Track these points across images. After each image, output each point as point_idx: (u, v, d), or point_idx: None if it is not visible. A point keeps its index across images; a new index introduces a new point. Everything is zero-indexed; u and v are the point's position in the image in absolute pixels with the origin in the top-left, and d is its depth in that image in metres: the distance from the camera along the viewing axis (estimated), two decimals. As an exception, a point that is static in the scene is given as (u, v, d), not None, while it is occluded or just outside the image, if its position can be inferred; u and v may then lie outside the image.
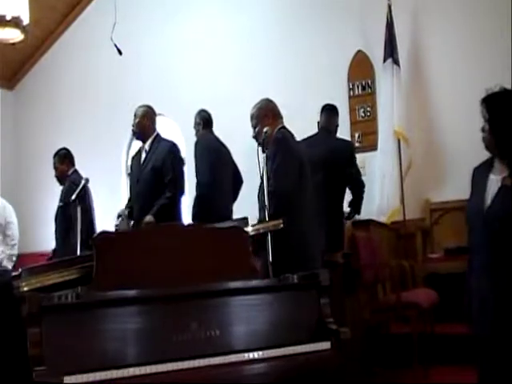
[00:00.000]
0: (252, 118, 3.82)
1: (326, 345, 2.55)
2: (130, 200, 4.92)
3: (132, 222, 4.80)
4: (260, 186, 3.55)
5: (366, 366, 4.00)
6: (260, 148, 3.82)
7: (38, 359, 2.15)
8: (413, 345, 3.93)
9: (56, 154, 5.54)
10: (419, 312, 4.09)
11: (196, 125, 5.42)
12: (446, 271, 4.85)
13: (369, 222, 4.97)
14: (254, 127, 3.75)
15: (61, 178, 5.43)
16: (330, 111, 5.11)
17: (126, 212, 4.81)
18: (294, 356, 2.48)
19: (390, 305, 4.18)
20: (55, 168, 5.50)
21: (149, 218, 4.54)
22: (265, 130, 3.60)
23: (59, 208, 5.26)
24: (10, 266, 5.76)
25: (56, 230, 5.35)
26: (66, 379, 2.11)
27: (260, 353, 2.44)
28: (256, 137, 3.73)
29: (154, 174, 4.65)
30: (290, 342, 2.52)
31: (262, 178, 3.56)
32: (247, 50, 6.62)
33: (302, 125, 5.81)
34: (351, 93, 6.24)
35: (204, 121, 5.36)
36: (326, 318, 2.66)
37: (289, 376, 2.49)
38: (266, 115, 3.79)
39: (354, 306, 4.11)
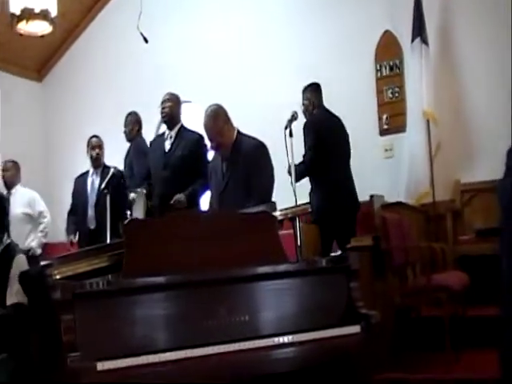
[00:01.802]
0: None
1: (355, 329, 2.54)
2: (148, 181, 4.95)
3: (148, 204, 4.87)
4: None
5: (396, 350, 3.99)
6: (288, 133, 3.86)
7: (72, 345, 2.18)
8: (444, 328, 3.90)
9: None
10: (450, 295, 4.04)
11: (131, 125, 5.77)
12: (477, 253, 4.80)
13: (398, 205, 4.94)
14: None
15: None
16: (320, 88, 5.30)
17: (144, 190, 4.85)
18: (323, 340, 2.48)
19: (421, 288, 4.14)
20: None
21: (181, 196, 4.58)
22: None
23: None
24: (39, 253, 5.92)
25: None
26: (99, 365, 2.14)
27: (289, 337, 2.44)
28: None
29: (184, 163, 4.67)
30: (319, 326, 2.52)
31: (289, 163, 3.59)
32: (273, 34, 6.58)
33: (329, 106, 5.82)
34: (378, 74, 6.18)
35: (139, 124, 5.76)
36: (356, 302, 2.65)
37: (318, 360, 2.50)
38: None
39: (384, 290, 4.08)
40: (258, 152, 4.00)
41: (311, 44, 6.35)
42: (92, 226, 5.37)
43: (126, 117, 6.09)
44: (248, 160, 3.93)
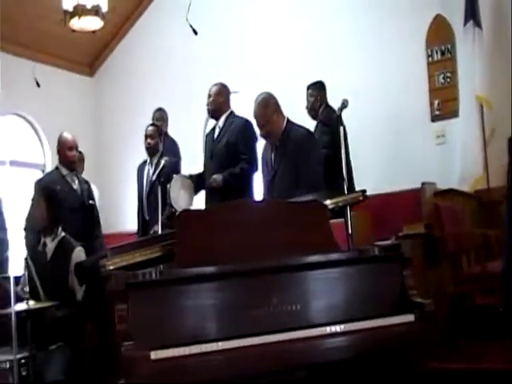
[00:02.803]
0: None
1: (409, 317, 2.53)
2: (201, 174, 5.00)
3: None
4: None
5: (451, 338, 3.93)
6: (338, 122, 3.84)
7: (126, 334, 2.23)
8: (499, 316, 3.82)
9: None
10: (506, 282, 3.96)
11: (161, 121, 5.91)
12: (533, 239, 4.66)
13: (451, 191, 4.85)
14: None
15: None
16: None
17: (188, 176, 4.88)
18: (376, 329, 2.47)
19: (475, 276, 4.07)
20: None
21: (217, 176, 4.62)
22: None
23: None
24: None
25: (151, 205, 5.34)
26: (153, 354, 2.19)
27: (341, 326, 2.44)
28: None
29: (228, 150, 4.69)
30: (372, 315, 2.51)
31: (340, 151, 3.57)
32: (320, 20, 6.52)
33: (379, 92, 5.76)
34: (430, 59, 6.05)
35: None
36: (409, 290, 2.63)
37: (371, 349, 2.49)
38: None
39: (437, 278, 4.03)
40: (306, 140, 4.02)
41: (361, 30, 6.27)
42: (147, 217, 5.41)
43: (155, 112, 6.18)
44: (297, 148, 3.95)
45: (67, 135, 4.94)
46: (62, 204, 4.33)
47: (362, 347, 2.46)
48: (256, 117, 4.13)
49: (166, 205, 4.69)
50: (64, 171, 4.87)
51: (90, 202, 4.99)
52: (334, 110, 5.14)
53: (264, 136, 4.17)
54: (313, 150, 4.02)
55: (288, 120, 4.12)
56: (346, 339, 2.43)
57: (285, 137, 4.04)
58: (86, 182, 5.07)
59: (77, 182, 4.92)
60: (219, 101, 4.89)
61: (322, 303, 2.55)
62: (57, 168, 4.95)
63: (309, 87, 5.40)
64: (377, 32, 6.18)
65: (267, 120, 4.05)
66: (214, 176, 4.62)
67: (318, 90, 5.38)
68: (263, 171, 4.27)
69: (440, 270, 4.11)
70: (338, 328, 2.44)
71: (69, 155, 4.84)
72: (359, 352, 2.47)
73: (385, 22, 6.14)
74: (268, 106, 4.07)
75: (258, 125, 4.17)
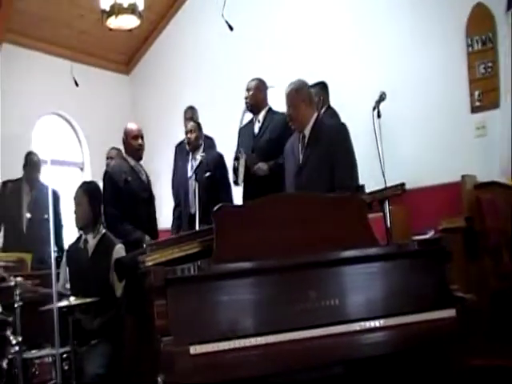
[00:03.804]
0: None
1: (450, 312, 2.48)
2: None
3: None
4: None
5: (492, 334, 3.85)
6: (376, 114, 3.80)
7: (165, 330, 2.25)
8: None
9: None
10: (550, 277, 3.87)
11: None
12: None
13: (492, 184, 4.75)
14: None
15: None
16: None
17: (244, 155, 4.88)
18: (416, 324, 2.44)
19: (518, 270, 3.99)
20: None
21: (263, 164, 4.63)
22: None
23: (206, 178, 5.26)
24: None
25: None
26: (192, 349, 2.20)
27: (381, 321, 2.42)
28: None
29: (270, 146, 4.71)
30: (412, 310, 2.48)
31: (377, 144, 3.55)
32: (356, 13, 6.45)
33: (417, 84, 5.68)
34: (470, 49, 5.93)
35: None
36: (450, 285, 2.59)
37: (411, 345, 2.45)
38: None
39: (478, 272, 3.95)
40: (340, 133, 3.98)
41: (398, 21, 6.18)
42: (192, 211, 5.36)
43: (186, 110, 6.19)
44: (329, 140, 3.92)
45: (132, 125, 4.91)
46: (132, 194, 4.38)
47: (401, 342, 2.43)
48: (285, 97, 4.12)
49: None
50: (132, 162, 4.82)
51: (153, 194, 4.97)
52: (335, 113, 5.14)
53: (288, 119, 4.15)
54: (346, 143, 3.98)
55: (319, 114, 4.15)
56: (385, 334, 2.41)
57: (316, 129, 4.02)
58: (148, 176, 5.01)
59: (144, 172, 4.89)
60: (258, 96, 4.94)
61: (361, 298, 2.53)
62: (124, 159, 4.90)
63: (312, 87, 5.29)
64: (416, 22, 6.08)
65: (294, 104, 4.04)
66: (260, 164, 4.65)
67: (320, 90, 5.30)
68: (288, 162, 4.22)
69: (481, 265, 4.04)
70: (377, 323, 2.42)
71: (134, 144, 4.79)
72: (399, 347, 2.44)
73: (424, 11, 6.03)
74: (299, 91, 4.05)
75: (286, 105, 4.15)
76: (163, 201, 5.92)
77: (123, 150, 4.97)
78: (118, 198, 4.56)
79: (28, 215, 5.46)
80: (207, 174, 5.12)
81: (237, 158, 4.94)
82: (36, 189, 5.59)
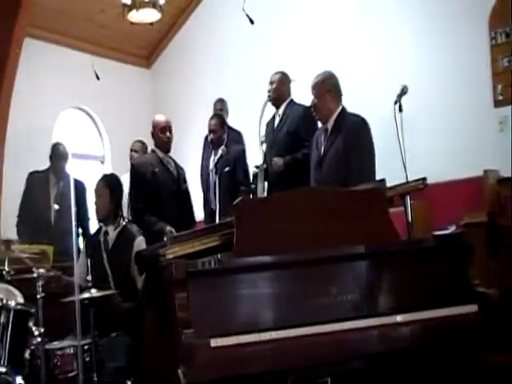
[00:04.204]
0: None
1: (472, 308, 2.46)
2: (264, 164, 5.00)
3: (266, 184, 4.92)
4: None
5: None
6: (397, 108, 3.79)
7: (186, 322, 2.26)
8: None
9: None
10: None
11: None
12: None
13: (515, 179, 4.70)
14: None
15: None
16: None
17: (265, 165, 4.88)
18: (437, 319, 2.42)
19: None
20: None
21: (278, 159, 4.62)
22: None
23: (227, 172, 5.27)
24: None
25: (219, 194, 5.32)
26: (212, 342, 2.21)
27: (402, 316, 2.40)
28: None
29: (289, 138, 4.70)
30: (434, 304, 2.46)
31: (399, 138, 3.54)
32: (378, 6, 6.41)
33: (439, 77, 5.61)
34: (493, 41, 5.85)
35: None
36: (472, 280, 2.57)
37: (432, 340, 2.44)
38: None
39: (500, 268, 3.91)
40: (359, 126, 4.00)
41: (420, 13, 6.11)
42: (213, 206, 5.38)
43: (216, 103, 6.19)
44: (348, 133, 3.95)
45: (160, 117, 4.90)
46: (159, 186, 4.39)
47: (422, 338, 2.41)
48: (311, 87, 4.15)
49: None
50: (160, 154, 4.81)
51: (185, 186, 4.93)
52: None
53: (313, 109, 4.18)
54: (365, 138, 4.00)
55: (343, 108, 4.11)
56: (406, 329, 2.39)
57: (339, 121, 4.05)
58: (181, 168, 5.00)
59: (173, 164, 4.86)
60: (281, 89, 4.95)
61: (382, 293, 2.52)
62: (153, 151, 4.90)
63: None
64: (438, 15, 6.01)
65: (319, 94, 4.08)
66: (275, 159, 4.64)
67: None
68: (312, 154, 4.25)
69: (503, 260, 3.99)
70: (398, 318, 2.40)
71: (162, 137, 4.78)
72: (420, 343, 2.42)
73: (446, 4, 5.96)
74: (325, 82, 4.10)
75: (312, 95, 4.18)
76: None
77: (152, 143, 4.96)
78: (144, 189, 4.57)
79: (56, 206, 5.44)
80: (227, 168, 5.12)
81: (257, 167, 4.95)
82: (63, 180, 5.58)
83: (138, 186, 4.61)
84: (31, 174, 5.68)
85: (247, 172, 5.25)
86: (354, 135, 3.96)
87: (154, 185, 4.57)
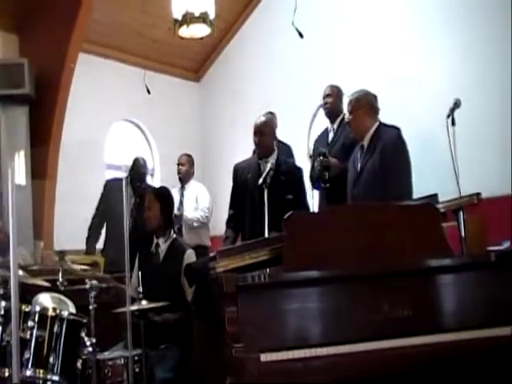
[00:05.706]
0: None
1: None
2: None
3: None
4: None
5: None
6: (450, 121, 3.74)
7: (236, 336, 2.27)
8: None
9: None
10: None
11: None
12: None
13: None
14: None
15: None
16: None
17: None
18: (489, 339, 2.37)
19: None
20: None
21: (339, 163, 4.56)
22: None
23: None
24: None
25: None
26: (262, 356, 2.20)
27: (453, 335, 2.36)
28: None
29: (344, 152, 4.66)
30: (489, 323, 2.40)
31: (452, 153, 3.50)
32: (425, 18, 6.32)
33: (490, 88, 5.49)
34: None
35: None
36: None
37: (484, 360, 2.38)
38: None
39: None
40: (395, 142, 4.00)
41: (473, 26, 5.99)
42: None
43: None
44: (384, 149, 3.97)
45: (256, 119, 4.63)
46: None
47: (476, 357, 2.36)
48: (347, 104, 4.29)
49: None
50: (257, 158, 4.58)
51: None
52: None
53: (348, 126, 4.30)
54: (400, 155, 3.99)
55: (380, 125, 4.15)
56: (457, 348, 2.34)
57: (374, 139, 4.09)
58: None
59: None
60: (337, 103, 4.94)
61: (434, 310, 2.48)
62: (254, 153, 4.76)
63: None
64: (488, 25, 5.89)
65: (353, 112, 4.17)
66: (333, 160, 4.57)
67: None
68: (349, 172, 4.27)
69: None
70: (450, 336, 2.36)
71: (254, 140, 4.54)
72: (473, 361, 2.37)
73: (494, 14, 5.83)
74: (359, 100, 4.19)
75: (347, 112, 4.30)
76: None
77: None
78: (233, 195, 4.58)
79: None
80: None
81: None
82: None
83: (232, 192, 4.60)
84: (108, 181, 5.75)
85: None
86: (390, 152, 3.97)
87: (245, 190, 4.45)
